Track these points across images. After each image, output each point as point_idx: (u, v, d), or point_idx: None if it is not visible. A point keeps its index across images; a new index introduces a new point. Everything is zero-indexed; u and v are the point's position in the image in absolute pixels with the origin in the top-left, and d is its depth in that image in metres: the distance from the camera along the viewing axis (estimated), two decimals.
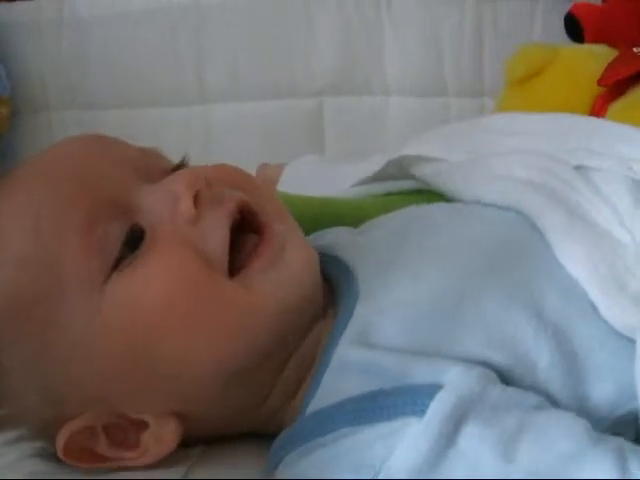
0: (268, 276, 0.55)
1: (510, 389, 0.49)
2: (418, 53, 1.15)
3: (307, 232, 0.63)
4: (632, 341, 0.51)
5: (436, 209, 0.66)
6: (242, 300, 0.54)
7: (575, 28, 1.01)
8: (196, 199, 0.55)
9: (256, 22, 1.17)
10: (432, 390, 0.48)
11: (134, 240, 0.54)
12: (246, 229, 0.57)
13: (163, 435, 0.55)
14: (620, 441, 0.47)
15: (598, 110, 0.91)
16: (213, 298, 0.53)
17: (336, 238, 0.65)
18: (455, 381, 0.48)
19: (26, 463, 0.54)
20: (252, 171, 1.02)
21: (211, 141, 1.19)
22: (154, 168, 0.59)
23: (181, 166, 0.60)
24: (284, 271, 0.55)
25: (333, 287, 0.60)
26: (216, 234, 0.55)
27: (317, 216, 0.69)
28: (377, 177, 0.76)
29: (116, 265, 0.53)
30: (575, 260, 0.55)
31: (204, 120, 1.19)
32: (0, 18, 1.17)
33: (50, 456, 0.55)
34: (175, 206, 0.55)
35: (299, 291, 0.56)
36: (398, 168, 0.74)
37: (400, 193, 0.76)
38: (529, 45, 1.03)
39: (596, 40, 0.99)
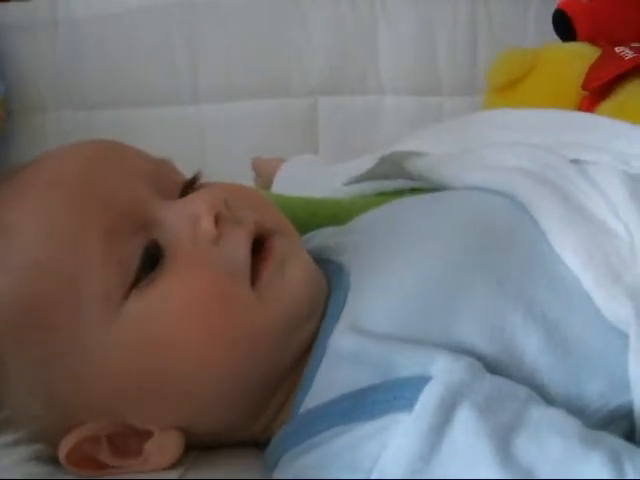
0: (274, 290, 0.55)
1: (499, 379, 0.49)
2: (412, 52, 1.16)
3: (300, 232, 0.63)
4: (625, 334, 0.51)
5: (424, 198, 0.66)
6: (257, 315, 0.54)
7: (563, 24, 1.01)
8: (216, 220, 0.55)
9: (250, 21, 1.18)
10: (420, 383, 0.48)
11: (152, 258, 0.54)
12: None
13: (166, 446, 0.55)
14: (614, 440, 0.47)
15: (586, 110, 0.91)
16: (236, 310, 0.54)
17: (325, 240, 0.65)
18: (442, 372, 0.48)
19: (23, 466, 0.54)
20: (246, 169, 1.03)
21: (205, 140, 1.19)
22: (169, 181, 0.59)
23: (194, 180, 0.60)
24: (287, 284, 0.56)
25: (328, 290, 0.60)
26: (238, 253, 0.55)
27: (310, 217, 0.70)
28: (370, 175, 0.76)
29: (135, 283, 0.53)
30: (569, 249, 0.54)
31: (198, 119, 1.20)
32: None
33: (48, 459, 0.55)
34: (196, 226, 0.55)
35: (302, 303, 0.56)
36: (391, 165, 0.74)
37: (393, 192, 0.76)
38: (508, 52, 1.03)
39: (587, 36, 0.99)
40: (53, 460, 0.55)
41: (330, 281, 0.60)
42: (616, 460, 0.45)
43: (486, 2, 1.15)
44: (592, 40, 0.99)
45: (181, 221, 0.55)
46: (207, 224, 0.55)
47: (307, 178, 0.87)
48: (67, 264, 0.53)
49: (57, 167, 0.58)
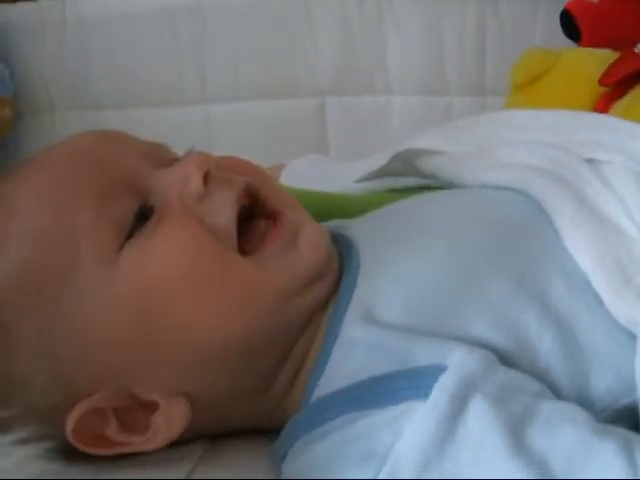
0: (279, 260, 0.56)
1: (512, 371, 0.50)
2: (420, 52, 1.15)
3: None
4: (634, 335, 0.51)
5: (442, 194, 0.67)
6: (251, 274, 0.55)
7: (571, 25, 1.01)
8: (206, 178, 0.57)
9: (258, 22, 1.18)
10: (435, 372, 0.48)
11: (144, 216, 0.56)
12: (257, 215, 0.59)
13: (172, 416, 0.55)
14: (625, 432, 0.47)
15: (601, 110, 0.91)
16: (222, 267, 0.55)
17: (340, 223, 0.65)
18: (457, 362, 0.49)
19: (33, 463, 0.54)
20: None
21: (213, 141, 1.19)
22: (164, 158, 0.61)
23: (190, 152, 0.62)
24: (297, 255, 0.57)
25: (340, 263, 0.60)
26: (223, 210, 0.56)
27: (318, 210, 0.69)
28: (382, 173, 0.76)
29: (129, 237, 0.55)
30: (581, 248, 0.55)
31: (206, 120, 1.20)
32: (3, 19, 1.17)
33: (57, 457, 0.55)
34: (185, 184, 0.56)
35: (309, 272, 0.57)
36: (403, 163, 0.74)
37: (403, 190, 0.76)
38: (532, 49, 1.04)
39: (592, 37, 1.00)
40: (63, 457, 0.55)
41: (341, 256, 0.60)
42: (628, 447, 0.45)
43: (495, 2, 1.15)
44: (597, 40, 0.99)
45: (172, 182, 0.57)
46: (195, 181, 0.56)
47: (313, 176, 0.87)
48: (62, 227, 0.55)
49: (57, 148, 0.61)
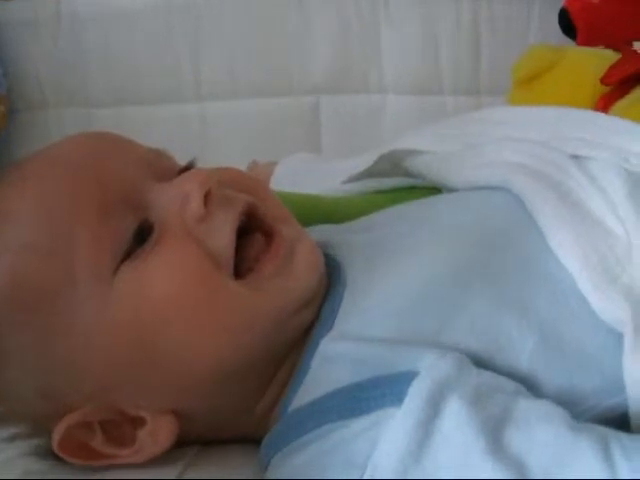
0: (276, 282, 0.56)
1: (486, 373, 0.49)
2: (415, 51, 1.15)
3: None
4: (620, 334, 0.51)
5: (422, 202, 0.66)
6: (247, 301, 0.54)
7: (569, 23, 1.01)
8: (206, 198, 0.55)
9: (253, 20, 1.17)
10: (408, 378, 0.48)
11: (143, 234, 0.55)
12: (253, 229, 0.58)
13: (159, 433, 0.55)
14: (602, 429, 0.47)
15: (601, 110, 0.91)
16: (217, 294, 0.54)
17: (324, 236, 0.65)
18: (430, 367, 0.48)
19: (22, 461, 0.54)
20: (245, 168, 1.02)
21: (208, 139, 1.19)
22: (164, 167, 0.60)
23: (189, 167, 0.60)
24: (292, 278, 0.56)
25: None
26: (223, 234, 0.55)
27: (304, 214, 0.70)
28: (368, 174, 0.76)
29: (125, 257, 0.54)
30: (566, 248, 0.54)
31: (201, 118, 1.19)
32: None
33: (46, 454, 0.55)
34: (185, 204, 0.55)
35: (304, 296, 0.56)
36: (390, 164, 0.74)
37: (391, 190, 0.76)
38: (537, 45, 1.04)
39: (589, 35, 1.00)
40: (52, 455, 0.55)
41: (328, 275, 0.60)
42: (604, 444, 0.45)
43: (489, 2, 1.15)
44: (593, 38, 0.99)
45: (172, 200, 0.56)
46: (195, 202, 0.55)
47: (305, 175, 0.87)
48: (59, 244, 0.54)
49: (55, 154, 0.59)
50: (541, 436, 0.46)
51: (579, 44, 1.02)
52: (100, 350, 0.54)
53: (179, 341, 0.54)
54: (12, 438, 0.56)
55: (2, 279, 0.54)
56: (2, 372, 0.55)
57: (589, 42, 1.01)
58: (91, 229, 0.54)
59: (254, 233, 0.58)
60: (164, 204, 0.56)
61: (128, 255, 0.54)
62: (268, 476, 0.53)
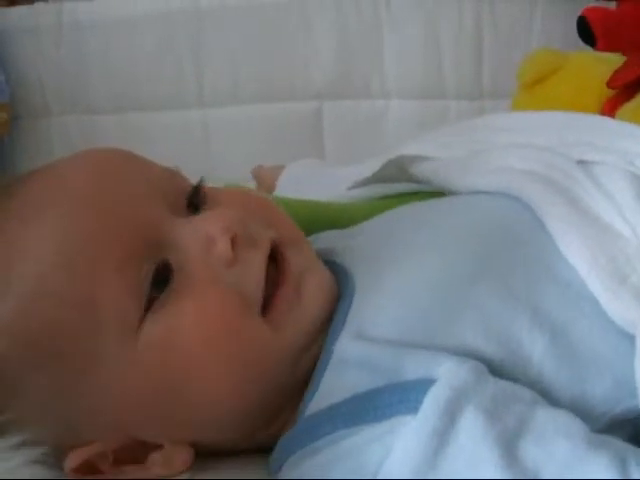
0: (291, 318, 0.56)
1: (502, 382, 0.49)
2: (417, 56, 1.15)
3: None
4: (632, 336, 0.50)
5: (430, 203, 0.66)
6: (270, 340, 0.54)
7: (587, 31, 1.01)
8: (233, 242, 0.55)
9: (255, 26, 1.18)
10: (425, 385, 0.48)
11: (162, 278, 0.54)
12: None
13: (175, 458, 0.55)
14: (619, 443, 0.47)
15: (607, 113, 0.91)
16: (248, 336, 0.54)
17: (330, 243, 0.65)
18: (447, 374, 0.48)
19: (28, 469, 0.54)
20: (248, 174, 1.03)
21: (210, 145, 1.19)
22: (175, 189, 0.58)
23: (198, 188, 0.59)
24: (302, 310, 0.56)
25: None
26: (253, 276, 0.55)
27: (310, 220, 0.69)
28: (375, 179, 0.76)
29: (149, 307, 0.53)
30: (575, 250, 0.54)
31: (203, 124, 1.20)
32: None
33: (53, 463, 0.55)
34: (210, 247, 0.55)
35: (318, 321, 0.56)
36: (396, 169, 0.74)
37: (397, 196, 0.76)
38: (541, 49, 1.05)
39: (608, 43, 1.00)
40: (58, 463, 0.55)
41: (338, 283, 0.59)
42: (622, 461, 0.44)
43: (491, 6, 1.15)
44: (612, 46, 0.99)
45: (195, 242, 0.55)
46: (223, 247, 0.54)
47: (310, 181, 0.87)
48: (83, 293, 0.53)
49: (70, 185, 0.57)
50: (557, 450, 0.45)
51: (598, 50, 1.02)
52: (122, 396, 0.54)
53: (206, 387, 0.54)
54: (18, 446, 0.56)
55: (26, 324, 0.53)
56: (21, 408, 0.54)
57: (608, 48, 1.01)
58: (113, 279, 0.53)
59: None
60: (186, 246, 0.55)
61: (150, 304, 0.53)
62: (280, 478, 0.53)
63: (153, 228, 0.55)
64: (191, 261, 0.54)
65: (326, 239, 0.66)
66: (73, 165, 0.59)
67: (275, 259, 0.57)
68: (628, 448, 0.46)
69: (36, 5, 1.18)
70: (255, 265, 0.55)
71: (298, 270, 0.57)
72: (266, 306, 0.55)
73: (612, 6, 1.02)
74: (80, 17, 1.17)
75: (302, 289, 0.57)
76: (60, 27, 1.17)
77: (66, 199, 0.55)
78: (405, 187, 0.75)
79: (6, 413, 0.53)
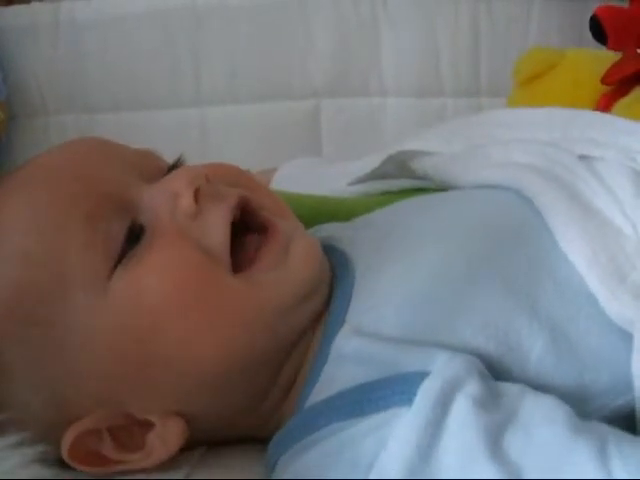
0: (273, 275, 0.56)
1: (491, 380, 0.49)
2: (415, 54, 1.15)
3: None
4: (629, 333, 0.51)
5: (431, 198, 0.66)
6: (245, 296, 0.54)
7: (600, 29, 1.01)
8: (196, 195, 0.55)
9: (253, 24, 1.17)
10: (419, 378, 0.48)
11: (134, 236, 0.54)
12: (249, 228, 0.58)
13: (168, 436, 0.55)
14: (603, 427, 0.47)
15: (603, 109, 0.91)
16: (215, 291, 0.54)
17: (331, 232, 0.65)
18: (441, 367, 0.48)
19: (27, 469, 0.54)
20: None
21: (208, 143, 1.19)
22: (152, 167, 0.60)
23: (177, 165, 0.61)
24: (289, 270, 0.56)
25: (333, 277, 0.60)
26: (217, 229, 0.55)
27: (310, 214, 0.69)
28: (375, 175, 0.76)
29: (119, 261, 0.54)
30: (575, 247, 0.54)
31: (201, 122, 1.19)
32: None
33: (52, 461, 0.55)
34: (175, 202, 0.55)
35: (302, 289, 0.56)
36: (396, 165, 0.74)
37: (398, 192, 0.76)
38: (535, 47, 1.04)
39: (619, 40, 1.00)
40: (58, 462, 0.55)
41: (335, 269, 0.59)
42: (602, 445, 0.45)
43: (488, 4, 1.15)
44: (623, 44, 0.99)
45: (161, 199, 0.56)
46: (186, 199, 0.55)
47: (307, 178, 0.87)
48: (51, 252, 0.54)
49: (44, 162, 0.59)
50: (539, 438, 0.46)
51: (610, 49, 1.02)
52: (102, 356, 0.54)
53: (179, 341, 0.54)
54: (17, 445, 0.56)
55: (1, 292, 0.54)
56: (7, 384, 0.54)
57: (619, 46, 1.01)
58: (80, 235, 0.54)
59: (252, 232, 0.58)
60: (153, 204, 0.56)
61: (121, 259, 0.54)
62: (277, 472, 0.53)
63: (121, 189, 0.56)
64: (160, 218, 0.55)
65: (325, 230, 0.66)
66: (49, 151, 0.61)
67: (261, 227, 0.57)
68: (610, 432, 0.46)
69: (33, 4, 1.18)
70: (220, 217, 0.56)
71: (285, 232, 0.57)
72: (247, 266, 0.56)
73: (624, 4, 1.02)
74: (77, 16, 1.17)
75: (290, 249, 0.57)
76: (57, 26, 1.17)
77: (42, 173, 0.58)
78: (406, 183, 0.75)
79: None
